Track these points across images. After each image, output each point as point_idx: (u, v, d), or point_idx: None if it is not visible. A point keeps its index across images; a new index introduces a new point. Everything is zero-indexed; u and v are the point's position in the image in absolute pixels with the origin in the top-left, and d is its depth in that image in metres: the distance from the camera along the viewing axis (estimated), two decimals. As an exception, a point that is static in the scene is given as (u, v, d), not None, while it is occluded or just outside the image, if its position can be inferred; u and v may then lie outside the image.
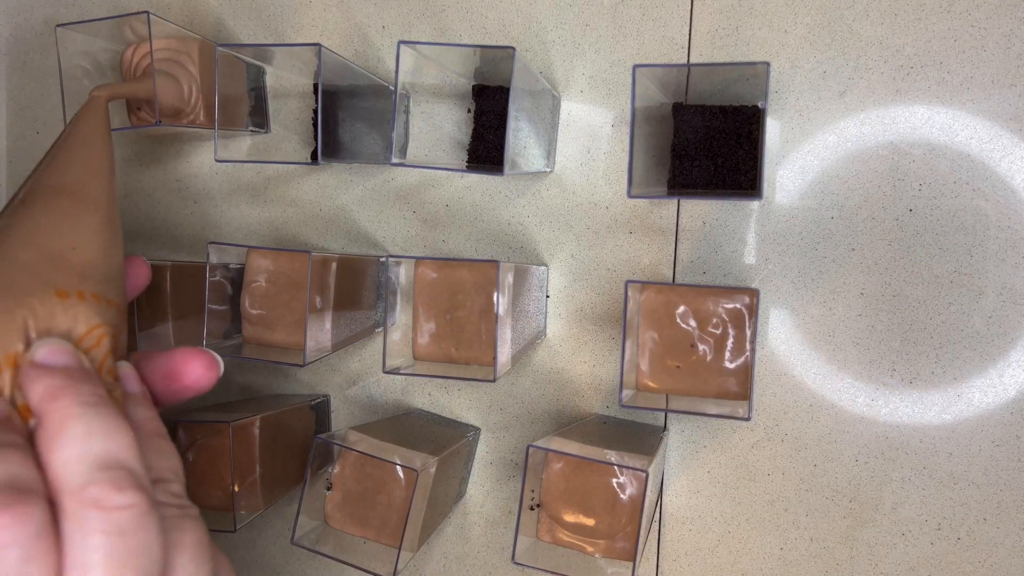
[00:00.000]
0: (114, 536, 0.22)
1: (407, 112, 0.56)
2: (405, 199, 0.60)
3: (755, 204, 0.54)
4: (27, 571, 0.21)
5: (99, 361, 0.29)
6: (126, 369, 0.30)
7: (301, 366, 0.50)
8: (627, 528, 0.49)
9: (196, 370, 0.30)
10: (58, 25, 0.54)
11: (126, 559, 0.22)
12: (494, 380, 0.47)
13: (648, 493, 0.45)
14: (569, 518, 0.50)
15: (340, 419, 0.63)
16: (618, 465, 0.48)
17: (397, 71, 0.46)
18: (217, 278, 0.53)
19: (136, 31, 0.56)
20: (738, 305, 0.48)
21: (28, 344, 0.27)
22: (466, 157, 0.57)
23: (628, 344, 0.47)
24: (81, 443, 0.23)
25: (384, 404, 0.62)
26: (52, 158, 0.35)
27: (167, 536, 0.24)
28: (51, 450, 0.23)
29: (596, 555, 0.49)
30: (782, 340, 0.54)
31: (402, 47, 0.46)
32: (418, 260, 0.52)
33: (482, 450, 0.60)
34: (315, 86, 0.60)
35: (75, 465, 0.23)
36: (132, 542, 0.23)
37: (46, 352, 0.26)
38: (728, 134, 0.51)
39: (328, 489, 0.53)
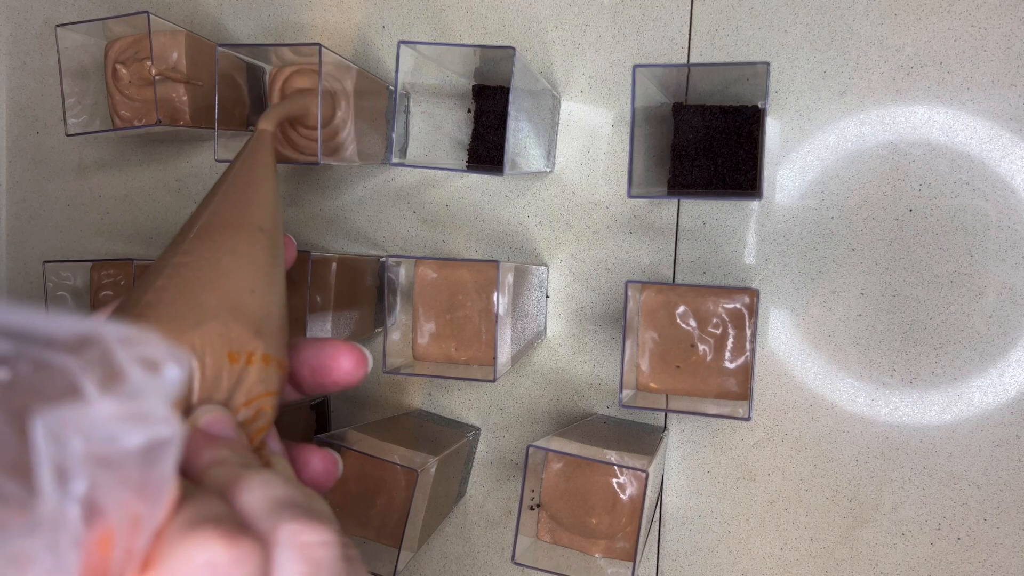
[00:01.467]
0: (313, 571, 0.22)
1: (407, 112, 0.56)
2: (405, 199, 0.60)
3: (755, 204, 0.54)
4: None
5: (252, 435, 0.28)
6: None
7: (301, 366, 0.49)
8: (627, 528, 0.49)
9: (346, 365, 0.30)
10: (58, 25, 0.54)
11: None
12: (494, 380, 0.47)
13: (648, 493, 0.45)
14: (569, 518, 0.50)
15: (340, 419, 0.63)
16: (618, 465, 0.48)
17: (397, 71, 0.46)
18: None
19: (114, 32, 0.56)
20: (738, 305, 0.48)
21: (186, 405, 0.26)
22: (466, 157, 0.57)
23: (628, 344, 0.47)
24: (262, 488, 0.23)
25: (384, 404, 0.62)
26: (222, 192, 0.34)
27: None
28: (234, 496, 0.23)
29: (596, 555, 0.49)
30: (782, 340, 0.54)
31: (402, 47, 0.46)
32: (418, 260, 0.52)
33: (482, 450, 0.60)
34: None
35: (263, 504, 0.23)
36: None
37: (208, 420, 0.26)
38: (728, 134, 0.51)
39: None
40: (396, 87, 0.46)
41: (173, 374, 0.19)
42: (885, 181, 0.52)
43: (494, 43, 0.57)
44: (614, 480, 0.49)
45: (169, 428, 0.18)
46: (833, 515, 0.54)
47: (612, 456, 0.48)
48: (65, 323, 0.18)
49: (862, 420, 0.53)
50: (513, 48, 0.43)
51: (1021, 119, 0.50)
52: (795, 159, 0.53)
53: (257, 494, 0.23)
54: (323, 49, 0.48)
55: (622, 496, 0.49)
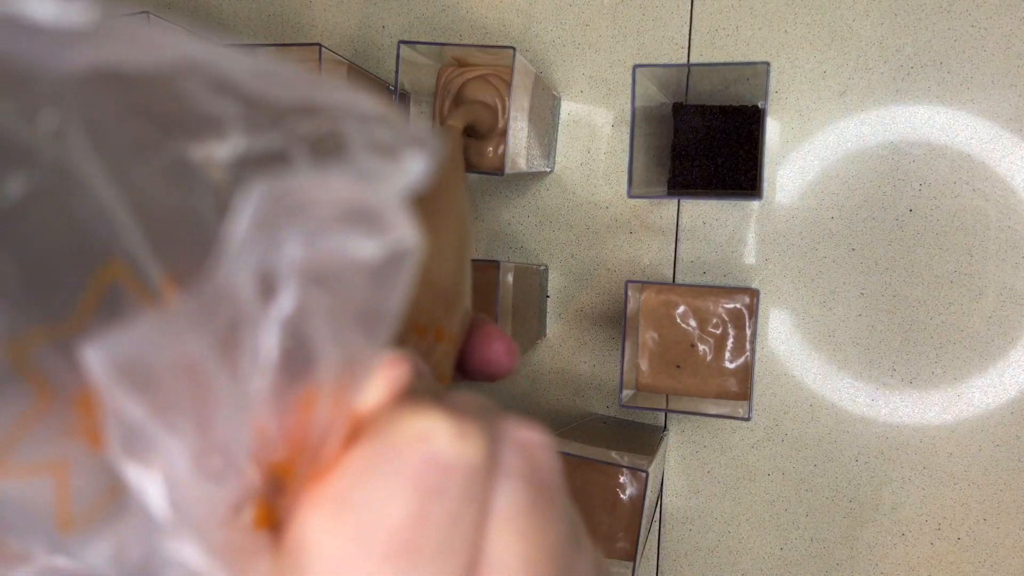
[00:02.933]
0: (533, 471, 0.18)
1: (408, 112, 0.56)
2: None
3: (755, 204, 0.54)
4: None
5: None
6: None
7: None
8: (627, 528, 0.49)
9: (498, 348, 0.26)
10: (58, 25, 0.54)
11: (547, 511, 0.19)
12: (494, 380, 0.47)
13: (648, 493, 0.45)
14: (569, 518, 0.49)
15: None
16: (618, 465, 0.48)
17: (397, 71, 0.46)
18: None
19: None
20: (738, 305, 0.48)
21: None
22: (466, 157, 0.57)
23: (628, 344, 0.47)
24: (470, 396, 0.20)
25: (384, 404, 0.62)
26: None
27: None
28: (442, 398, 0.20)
29: (596, 555, 0.49)
30: (782, 340, 0.54)
31: (402, 47, 0.46)
32: (418, 260, 0.52)
33: (482, 450, 0.60)
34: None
35: (475, 403, 0.20)
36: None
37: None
38: (728, 134, 0.51)
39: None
40: (396, 87, 0.46)
41: (416, 167, 0.13)
42: (885, 181, 0.52)
43: (494, 43, 0.57)
44: (614, 480, 0.49)
45: (411, 238, 0.13)
46: (833, 515, 0.54)
47: (612, 456, 0.48)
48: (292, 87, 0.13)
49: (862, 420, 0.53)
50: (513, 48, 0.43)
51: (1021, 119, 0.50)
52: (795, 159, 0.53)
53: (466, 397, 0.19)
54: (323, 49, 0.48)
55: (622, 496, 0.49)
